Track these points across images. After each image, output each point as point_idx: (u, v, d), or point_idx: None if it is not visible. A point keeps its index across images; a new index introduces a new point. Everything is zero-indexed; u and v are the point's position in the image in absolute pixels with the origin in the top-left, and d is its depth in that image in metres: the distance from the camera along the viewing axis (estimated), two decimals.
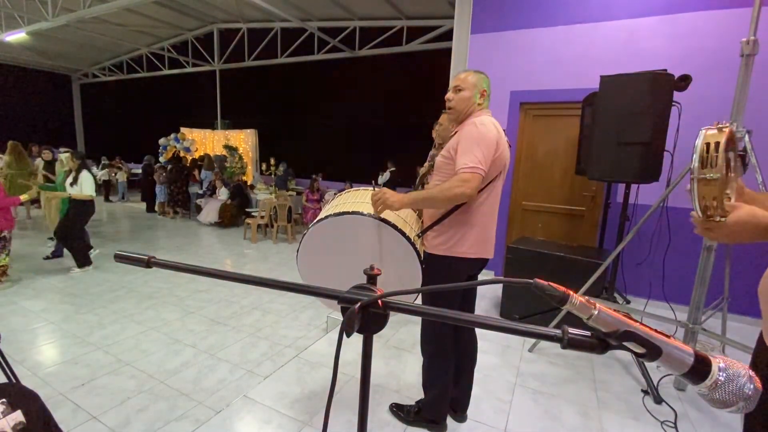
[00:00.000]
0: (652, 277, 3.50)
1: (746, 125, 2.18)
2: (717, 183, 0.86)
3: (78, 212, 4.57)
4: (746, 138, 2.19)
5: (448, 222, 1.76)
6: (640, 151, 2.60)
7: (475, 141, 1.61)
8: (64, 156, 5.11)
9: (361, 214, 1.68)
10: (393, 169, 9.02)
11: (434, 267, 1.80)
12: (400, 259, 1.73)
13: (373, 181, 8.82)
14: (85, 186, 4.44)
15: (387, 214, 1.71)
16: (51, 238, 5.87)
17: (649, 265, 3.49)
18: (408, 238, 1.68)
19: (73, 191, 4.44)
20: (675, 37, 3.51)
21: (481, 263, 1.87)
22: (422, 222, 1.89)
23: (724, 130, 0.88)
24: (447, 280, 1.78)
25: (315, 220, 1.83)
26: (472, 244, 1.76)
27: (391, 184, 8.32)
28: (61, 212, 4.96)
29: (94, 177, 4.85)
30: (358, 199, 1.82)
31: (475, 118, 1.72)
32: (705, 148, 0.88)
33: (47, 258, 5.05)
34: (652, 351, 0.48)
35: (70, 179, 4.48)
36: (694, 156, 0.89)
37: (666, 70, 2.63)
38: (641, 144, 2.59)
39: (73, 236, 4.61)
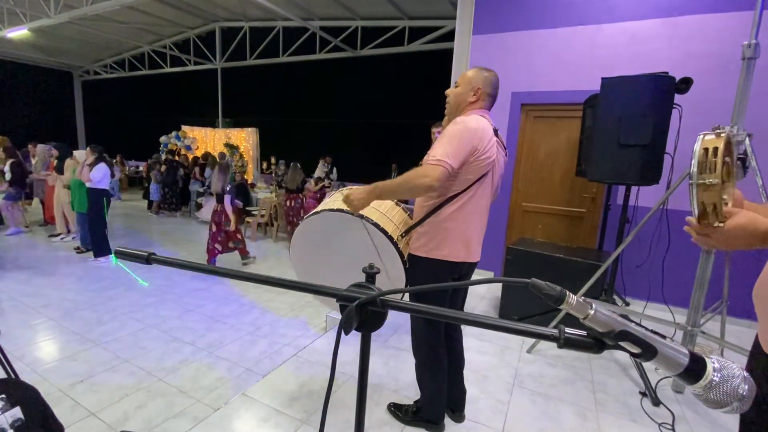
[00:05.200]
0: (651, 280, 3.50)
1: (747, 128, 2.18)
2: (716, 188, 0.87)
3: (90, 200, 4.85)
4: (747, 141, 2.19)
5: (427, 223, 1.73)
6: (641, 153, 2.61)
7: (449, 137, 1.58)
8: (75, 152, 5.22)
9: (346, 212, 1.70)
10: (396, 172, 9.04)
11: (416, 268, 1.78)
12: (385, 258, 1.73)
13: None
14: (94, 173, 4.68)
15: (370, 213, 1.72)
16: (51, 236, 5.88)
17: (649, 267, 3.49)
18: (390, 238, 1.69)
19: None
20: (676, 39, 3.51)
21: (466, 267, 1.82)
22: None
23: (721, 135, 0.89)
24: (428, 282, 1.74)
25: (308, 215, 1.85)
26: (452, 247, 1.72)
27: None
28: (73, 206, 5.21)
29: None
30: None
31: (464, 115, 1.68)
32: (704, 153, 0.89)
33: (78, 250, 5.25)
34: (647, 351, 0.48)
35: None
36: (693, 161, 0.90)
37: (667, 72, 2.63)
38: (642, 146, 2.59)
39: (95, 226, 4.88)
